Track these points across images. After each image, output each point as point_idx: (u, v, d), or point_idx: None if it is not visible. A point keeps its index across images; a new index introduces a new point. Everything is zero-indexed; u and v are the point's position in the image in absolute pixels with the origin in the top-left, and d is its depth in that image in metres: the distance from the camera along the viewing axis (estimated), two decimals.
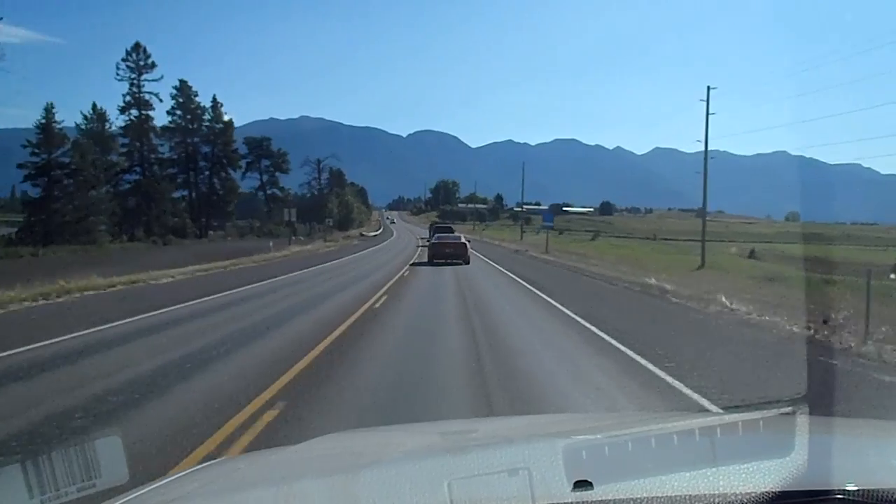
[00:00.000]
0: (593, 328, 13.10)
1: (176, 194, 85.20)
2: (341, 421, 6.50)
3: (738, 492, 1.46)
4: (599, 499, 1.43)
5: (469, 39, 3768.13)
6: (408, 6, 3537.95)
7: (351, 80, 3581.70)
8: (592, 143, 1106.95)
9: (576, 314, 15.23)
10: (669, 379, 8.60)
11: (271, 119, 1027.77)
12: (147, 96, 78.33)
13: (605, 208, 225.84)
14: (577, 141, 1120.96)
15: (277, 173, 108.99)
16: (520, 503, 1.44)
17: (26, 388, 8.00)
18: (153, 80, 79.06)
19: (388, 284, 23.14)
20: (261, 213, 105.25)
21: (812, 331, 12.56)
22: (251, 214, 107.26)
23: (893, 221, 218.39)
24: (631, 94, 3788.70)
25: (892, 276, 32.14)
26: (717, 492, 1.47)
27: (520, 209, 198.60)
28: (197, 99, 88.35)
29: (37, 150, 57.72)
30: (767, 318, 14.62)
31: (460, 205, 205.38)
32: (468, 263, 35.32)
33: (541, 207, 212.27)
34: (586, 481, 1.49)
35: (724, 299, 17.34)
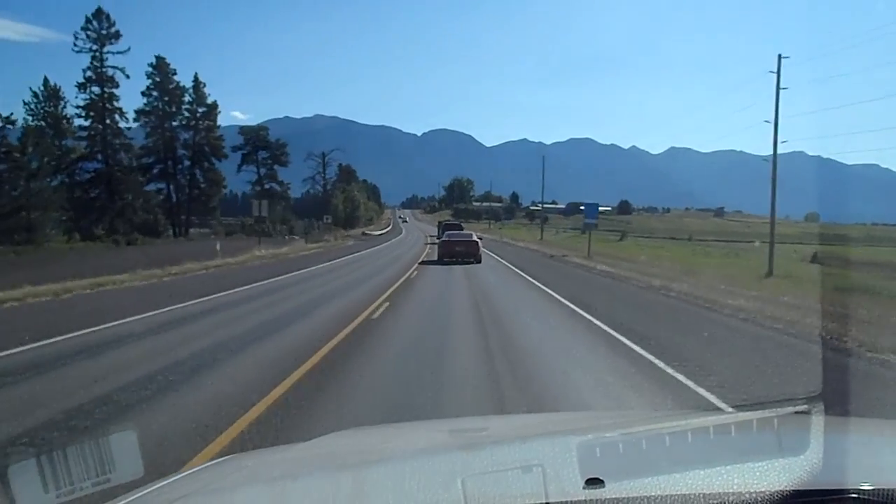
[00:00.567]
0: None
1: (151, 187, 76.11)
2: None
3: (752, 490, 1.45)
4: (613, 496, 1.43)
5: (484, 38, 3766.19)
6: (423, 5, 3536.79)
7: (365, 78, 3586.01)
8: (608, 143, 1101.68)
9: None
10: None
11: (286, 117, 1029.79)
12: (111, 71, 66.86)
13: (624, 207, 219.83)
14: (592, 140, 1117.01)
15: (276, 166, 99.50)
16: (534, 500, 1.42)
17: None
18: (118, 53, 67.54)
19: (308, 365, 9.51)
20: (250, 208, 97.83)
21: None
22: (247, 211, 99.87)
23: None
24: (647, 93, 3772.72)
25: None
26: (731, 490, 1.46)
27: (538, 208, 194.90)
28: (176, 78, 77.23)
29: None
30: None
31: (475, 203, 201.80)
32: (480, 262, 33.77)
33: (557, 206, 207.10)
34: (599, 479, 1.49)
35: None
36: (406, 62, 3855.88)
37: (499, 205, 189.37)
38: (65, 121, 64.30)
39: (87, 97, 66.14)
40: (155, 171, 76.75)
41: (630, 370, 9.14)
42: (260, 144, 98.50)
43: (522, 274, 27.95)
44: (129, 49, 67.84)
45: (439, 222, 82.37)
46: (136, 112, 74.44)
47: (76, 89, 65.34)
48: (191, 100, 78.99)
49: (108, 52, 66.70)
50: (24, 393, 7.70)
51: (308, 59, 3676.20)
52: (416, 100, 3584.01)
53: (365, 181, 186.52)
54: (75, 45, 65.71)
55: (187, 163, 79.25)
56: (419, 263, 33.89)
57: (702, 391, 7.91)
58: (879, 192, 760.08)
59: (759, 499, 1.43)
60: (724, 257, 53.74)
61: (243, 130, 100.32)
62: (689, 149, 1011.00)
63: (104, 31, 66.20)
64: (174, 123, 78.07)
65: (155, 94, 75.66)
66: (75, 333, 11.53)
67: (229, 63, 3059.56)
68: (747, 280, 26.67)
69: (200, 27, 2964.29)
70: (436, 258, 35.74)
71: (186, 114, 78.78)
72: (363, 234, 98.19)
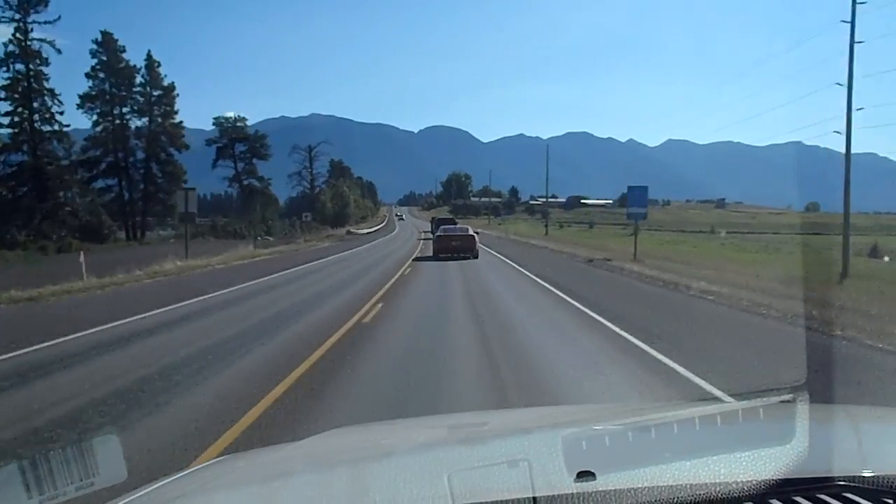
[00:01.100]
0: None
1: (100, 184, 65.93)
2: None
3: (739, 480, 1.46)
4: (600, 489, 1.42)
5: (479, 35, 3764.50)
6: (417, 2, 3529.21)
7: (361, 76, 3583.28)
8: (605, 136, 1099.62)
9: None
10: None
11: (282, 117, 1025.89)
12: (37, 45, 55.55)
13: (625, 200, 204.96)
14: (589, 134, 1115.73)
15: (256, 160, 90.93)
16: (520, 494, 1.42)
17: None
18: (45, 23, 56.31)
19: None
20: (236, 209, 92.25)
21: None
22: (226, 210, 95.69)
23: None
24: (643, 86, 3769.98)
25: None
26: (718, 480, 1.46)
27: (537, 202, 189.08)
28: (125, 56, 65.82)
29: None
30: None
31: (473, 198, 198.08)
32: (477, 258, 32.26)
33: (558, 200, 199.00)
34: (587, 472, 1.50)
35: None
36: (401, 60, 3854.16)
37: (498, 200, 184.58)
38: None
39: (8, 76, 55.37)
40: (103, 165, 65.66)
41: None
42: (237, 137, 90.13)
43: (586, 310, 14.52)
44: (58, 18, 56.70)
45: (432, 218, 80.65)
46: (81, 97, 64.08)
47: None
48: (144, 81, 67.81)
49: (33, 22, 55.75)
50: None
51: (303, 58, 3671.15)
52: (413, 97, 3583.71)
53: (360, 178, 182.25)
54: None
55: (141, 155, 68.40)
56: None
57: None
58: (878, 181, 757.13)
59: (746, 488, 1.43)
60: (764, 253, 45.93)
61: (218, 121, 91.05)
62: (687, 140, 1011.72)
63: None
64: (125, 109, 67.01)
65: (101, 75, 64.43)
66: None
67: (224, 64, 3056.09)
68: (826, 285, 20.66)
69: (194, 28, 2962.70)
70: (423, 270, 28.47)
71: (139, 98, 67.65)
72: (348, 232, 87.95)
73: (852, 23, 32.94)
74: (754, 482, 1.45)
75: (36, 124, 56.15)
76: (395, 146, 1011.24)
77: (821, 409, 2.67)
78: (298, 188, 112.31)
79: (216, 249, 36.40)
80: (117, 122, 66.45)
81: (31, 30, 55.40)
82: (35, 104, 55.74)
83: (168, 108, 69.59)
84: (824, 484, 1.47)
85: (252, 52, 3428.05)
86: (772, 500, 1.43)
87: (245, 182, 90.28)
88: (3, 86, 54.83)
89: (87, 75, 64.63)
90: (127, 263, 24.08)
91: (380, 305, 15.34)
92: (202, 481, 2.13)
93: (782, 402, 2.45)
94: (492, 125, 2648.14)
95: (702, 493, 1.41)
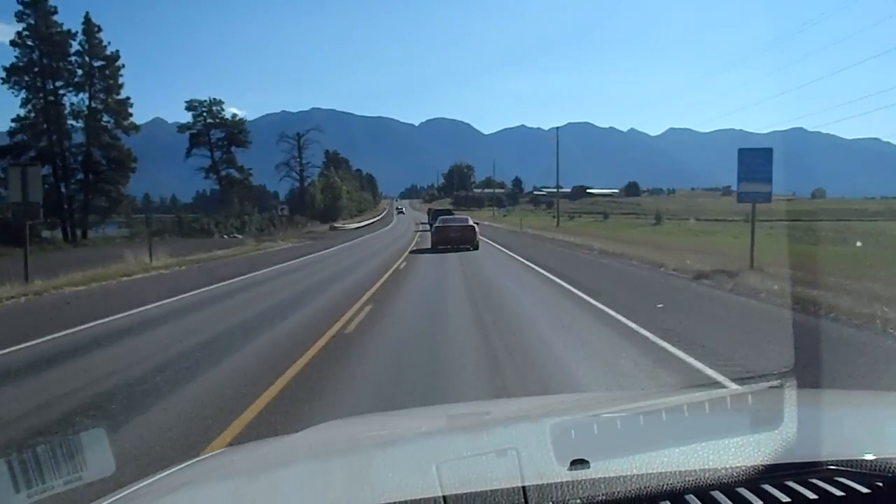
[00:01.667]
0: None
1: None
2: None
3: (727, 466, 1.47)
4: (590, 477, 1.44)
5: (478, 25, 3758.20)
6: None
7: (361, 70, 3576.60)
8: (606, 126, 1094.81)
9: None
10: None
11: (283, 112, 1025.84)
12: None
13: (632, 189, 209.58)
14: (590, 124, 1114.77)
15: (234, 148, 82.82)
16: (509, 483, 1.42)
17: None
18: None
19: None
20: (213, 202, 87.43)
21: None
22: (207, 206, 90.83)
23: None
24: (644, 75, 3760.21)
25: None
26: (707, 466, 1.47)
27: (542, 192, 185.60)
28: (56, 18, 54.33)
29: None
30: None
31: (476, 190, 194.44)
32: (477, 248, 31.58)
33: (563, 190, 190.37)
34: (578, 460, 1.51)
35: None
36: (401, 52, 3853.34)
37: (501, 191, 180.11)
38: None
39: None
40: (33, 151, 53.91)
41: None
42: (214, 123, 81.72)
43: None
44: None
45: (429, 209, 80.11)
46: (6, 70, 54.06)
47: None
48: (81, 50, 56.41)
49: None
50: None
51: (303, 53, 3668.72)
52: (413, 90, 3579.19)
53: (359, 170, 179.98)
54: None
55: (80, 138, 57.34)
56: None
57: None
58: (881, 167, 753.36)
59: (735, 474, 1.44)
60: (834, 244, 36.48)
61: (191, 105, 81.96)
62: (688, 129, 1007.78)
63: None
64: (58, 84, 55.78)
65: (30, 43, 53.86)
66: None
67: (224, 59, 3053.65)
68: None
69: (194, 24, 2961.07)
70: (419, 281, 22.20)
71: (78, 70, 56.50)
72: (331, 228, 77.15)
73: None
74: (744, 468, 1.45)
75: None
76: (397, 139, 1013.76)
77: (809, 393, 2.68)
78: (287, 180, 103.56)
79: (104, 259, 24.78)
80: (49, 98, 55.31)
81: None
82: None
83: (112, 82, 57.83)
84: (813, 469, 1.48)
85: (250, 47, 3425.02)
86: (764, 486, 1.42)
87: (223, 173, 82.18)
88: None
89: (13, 43, 54.25)
90: None
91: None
92: (198, 475, 2.15)
93: (770, 387, 2.44)
94: (493, 117, 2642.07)
95: (691, 479, 1.42)
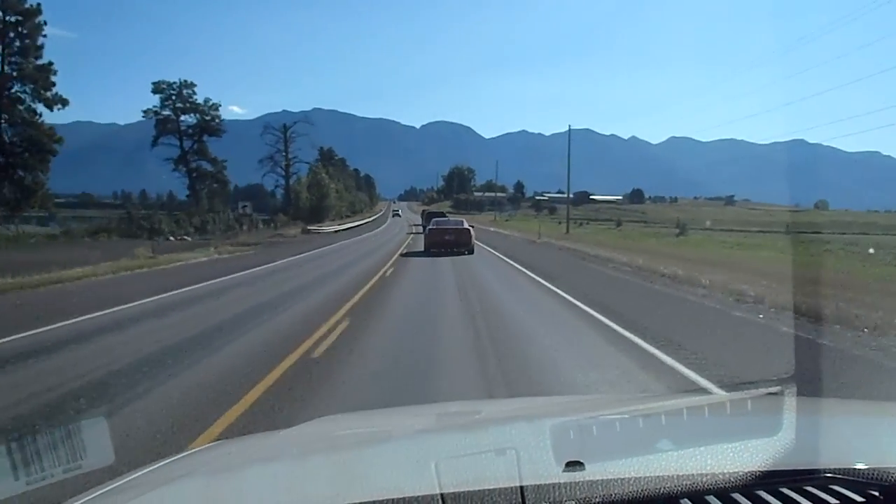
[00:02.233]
0: None
1: None
2: None
3: (725, 471, 1.47)
4: (587, 479, 1.43)
5: (482, 29, 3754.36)
6: None
7: (363, 71, 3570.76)
8: (607, 133, 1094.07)
9: None
10: None
11: (284, 111, 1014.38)
12: None
13: (636, 197, 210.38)
14: (591, 131, 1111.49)
15: (207, 137, 72.17)
16: (507, 483, 1.43)
17: None
18: None
19: None
20: (190, 198, 73.66)
21: None
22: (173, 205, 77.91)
23: None
24: (646, 83, 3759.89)
25: None
26: (705, 471, 1.47)
27: (543, 197, 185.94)
28: None
29: None
30: None
31: (476, 193, 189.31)
32: (472, 253, 29.80)
33: (564, 195, 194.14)
34: (573, 461, 1.51)
35: None
36: (404, 55, 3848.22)
37: (503, 195, 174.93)
38: None
39: None
40: None
41: None
42: (186, 107, 70.62)
43: None
44: None
45: (423, 211, 75.89)
46: None
47: None
48: None
49: None
50: None
51: (305, 53, 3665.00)
52: (415, 92, 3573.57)
53: (356, 170, 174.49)
54: None
55: None
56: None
57: None
58: (881, 180, 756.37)
59: (733, 480, 1.44)
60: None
61: (157, 87, 70.12)
62: (689, 138, 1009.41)
63: None
64: None
65: None
66: None
67: (225, 58, 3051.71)
68: None
69: (196, 23, 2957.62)
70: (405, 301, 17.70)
71: None
72: (305, 230, 63.46)
73: None
74: (741, 473, 1.46)
75: None
76: (397, 141, 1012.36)
77: (808, 401, 2.71)
78: (272, 176, 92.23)
79: None
80: None
81: None
82: None
83: (29, 42, 46.74)
84: (811, 476, 1.48)
85: (252, 46, 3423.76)
86: (758, 492, 1.44)
87: (193, 164, 71.45)
88: None
89: None
90: None
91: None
92: (193, 466, 2.14)
93: (769, 394, 2.45)
94: (494, 121, 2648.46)
95: (689, 483, 1.42)
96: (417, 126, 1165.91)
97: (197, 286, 17.64)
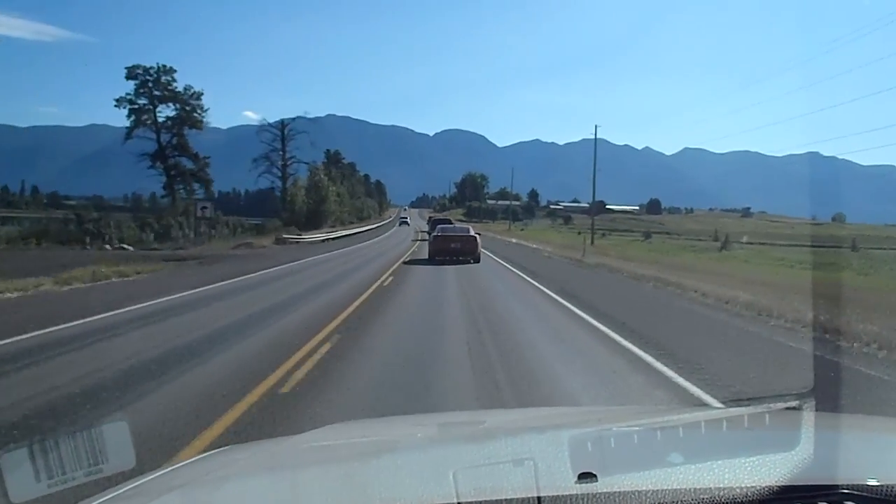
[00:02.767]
0: None
1: None
2: None
3: (742, 485, 1.47)
4: (604, 491, 1.43)
5: (496, 39, 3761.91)
6: (435, 4, 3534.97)
7: (378, 78, 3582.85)
8: (621, 143, 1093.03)
9: None
10: None
11: (298, 117, 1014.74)
12: None
13: (654, 207, 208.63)
14: (605, 141, 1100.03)
15: (188, 130, 64.81)
16: (525, 493, 1.43)
17: None
18: None
19: None
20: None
21: None
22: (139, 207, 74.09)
23: None
24: (659, 94, 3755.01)
25: None
26: (722, 485, 1.47)
27: (558, 206, 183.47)
28: None
29: None
30: None
31: (490, 201, 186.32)
32: (478, 262, 28.62)
33: (581, 205, 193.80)
34: (591, 473, 1.50)
35: None
36: (418, 62, 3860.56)
37: (517, 203, 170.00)
38: None
39: None
40: None
41: None
42: (165, 96, 62.65)
43: None
44: None
45: (430, 218, 74.59)
46: None
47: None
48: None
49: None
50: None
51: (320, 60, 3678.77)
52: (428, 100, 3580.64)
53: (366, 175, 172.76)
54: None
55: None
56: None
57: None
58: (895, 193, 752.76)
59: (750, 494, 1.44)
60: None
61: (132, 72, 61.81)
62: (703, 149, 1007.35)
63: None
64: None
65: None
66: None
67: (240, 64, 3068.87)
68: None
69: (211, 28, 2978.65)
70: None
71: None
72: (279, 239, 48.86)
73: None
74: (758, 488, 1.47)
75: None
76: (410, 149, 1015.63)
77: (827, 416, 2.65)
78: (267, 177, 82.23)
79: None
80: None
81: None
82: None
83: None
84: (828, 492, 1.48)
85: (268, 52, 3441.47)
86: None
87: (171, 160, 63.69)
88: None
89: None
90: None
91: None
92: (203, 472, 2.12)
93: (788, 408, 2.41)
94: (507, 130, 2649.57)
95: (706, 497, 1.44)
96: (431, 133, 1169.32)
97: None
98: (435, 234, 32.73)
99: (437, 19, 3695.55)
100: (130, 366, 8.42)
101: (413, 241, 53.86)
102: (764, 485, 1.46)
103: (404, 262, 29.88)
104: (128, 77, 61.66)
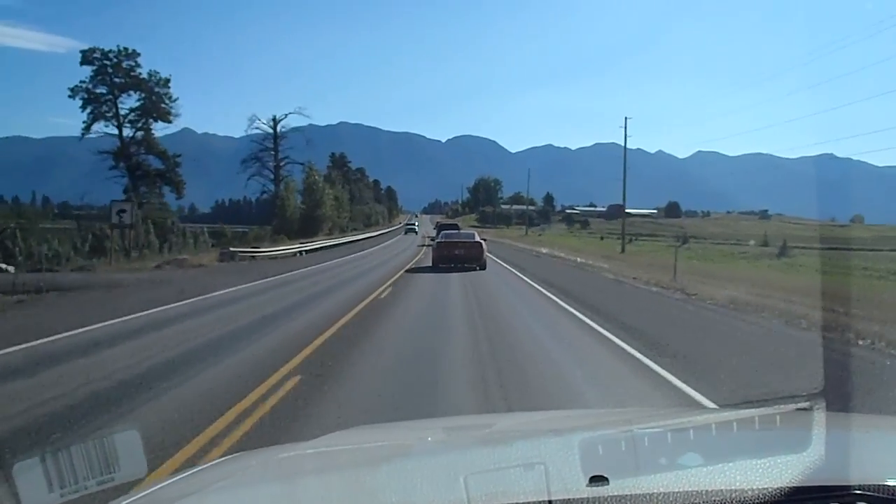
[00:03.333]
0: None
1: None
2: None
3: (754, 487, 1.47)
4: (615, 493, 1.43)
5: (508, 45, 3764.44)
6: (445, 10, 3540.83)
7: (389, 85, 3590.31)
8: (634, 147, 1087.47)
9: None
10: None
11: (310, 125, 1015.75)
12: None
13: (672, 210, 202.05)
14: (617, 145, 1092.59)
15: (153, 121, 55.69)
16: (536, 497, 1.43)
17: None
18: None
19: None
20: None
21: None
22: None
23: None
24: (672, 97, 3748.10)
25: None
26: (734, 487, 1.47)
27: (574, 210, 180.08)
28: None
29: None
30: None
31: (503, 206, 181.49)
32: (484, 269, 28.00)
33: (597, 209, 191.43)
34: (602, 476, 1.50)
35: None
36: (429, 69, 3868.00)
37: (532, 208, 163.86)
38: None
39: None
40: None
41: None
42: (127, 83, 53.32)
43: None
44: None
45: (437, 223, 73.88)
46: None
47: None
48: None
49: None
50: None
51: (332, 67, 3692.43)
52: (440, 106, 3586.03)
53: (376, 181, 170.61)
54: None
55: None
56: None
57: None
58: None
59: (761, 496, 1.44)
60: None
61: (88, 56, 52.68)
62: (716, 152, 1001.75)
63: None
64: None
65: None
66: None
67: (252, 71, 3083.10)
68: None
69: (222, 36, 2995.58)
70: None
71: None
72: (225, 254, 36.97)
73: None
74: (770, 489, 1.47)
75: None
76: (423, 155, 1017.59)
77: (838, 417, 2.65)
78: (258, 181, 74.95)
79: None
80: None
81: None
82: None
83: None
84: (840, 493, 1.48)
85: (279, 61, 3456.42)
86: None
87: (135, 158, 54.48)
88: None
89: None
90: None
91: None
92: (215, 479, 2.12)
93: (799, 409, 2.41)
94: (520, 135, 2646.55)
95: (717, 499, 1.44)
96: (443, 140, 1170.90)
97: None
98: (438, 240, 32.16)
99: (448, 26, 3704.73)
100: None
101: (420, 246, 53.16)
102: (775, 486, 1.46)
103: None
104: (83, 62, 52.58)
